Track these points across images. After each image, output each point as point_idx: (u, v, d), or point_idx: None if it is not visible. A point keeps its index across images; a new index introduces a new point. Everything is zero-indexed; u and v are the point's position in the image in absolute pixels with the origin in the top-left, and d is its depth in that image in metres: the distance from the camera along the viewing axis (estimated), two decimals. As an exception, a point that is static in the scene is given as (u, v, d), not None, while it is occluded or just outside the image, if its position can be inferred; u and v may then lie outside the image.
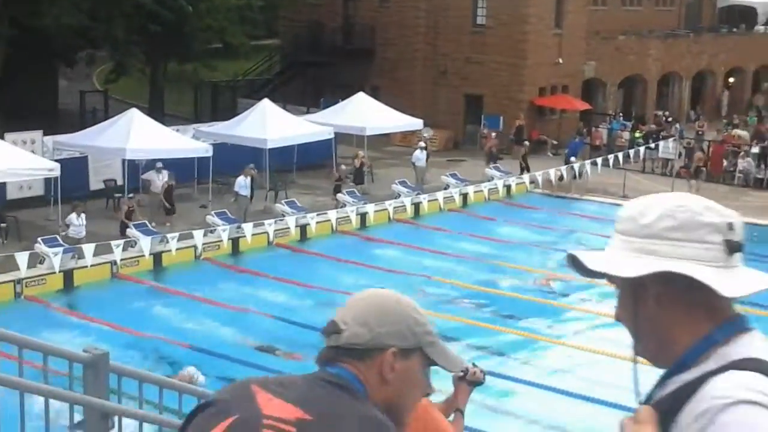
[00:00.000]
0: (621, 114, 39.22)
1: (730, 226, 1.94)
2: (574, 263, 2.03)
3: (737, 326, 1.95)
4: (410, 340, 2.11)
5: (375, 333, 2.07)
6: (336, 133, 29.50)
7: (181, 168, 25.71)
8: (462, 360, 2.25)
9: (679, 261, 1.91)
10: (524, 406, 14.68)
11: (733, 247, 1.94)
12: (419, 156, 29.99)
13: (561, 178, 30.29)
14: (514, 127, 35.81)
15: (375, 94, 33.45)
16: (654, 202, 1.99)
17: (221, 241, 21.95)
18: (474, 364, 5.66)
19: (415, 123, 32.20)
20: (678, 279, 1.90)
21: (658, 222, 1.95)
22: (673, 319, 1.95)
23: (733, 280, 1.91)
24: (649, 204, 1.99)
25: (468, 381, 5.61)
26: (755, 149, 33.25)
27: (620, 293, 2.01)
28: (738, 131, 36.36)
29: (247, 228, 22.43)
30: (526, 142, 32.91)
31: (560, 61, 36.95)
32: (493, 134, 34.38)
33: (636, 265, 1.93)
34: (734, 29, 49.14)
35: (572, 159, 31.84)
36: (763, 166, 32.77)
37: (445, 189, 28.55)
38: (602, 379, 14.93)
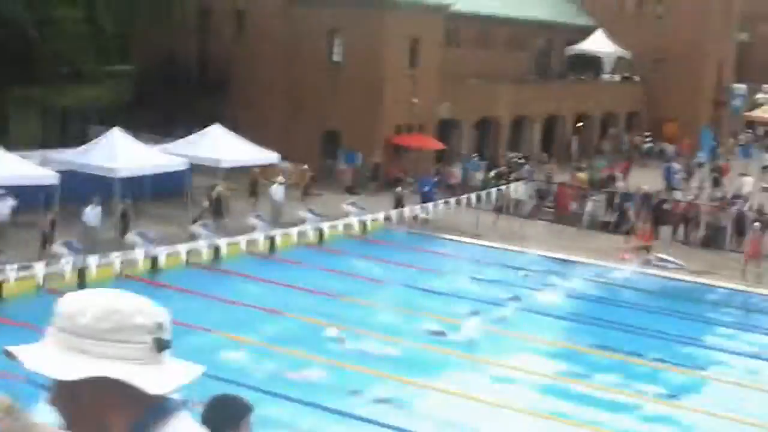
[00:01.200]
0: (476, 154, 39.98)
1: (159, 326, 2.15)
2: (12, 358, 2.06)
3: (165, 411, 2.15)
4: None
5: None
6: (192, 164, 28.89)
7: (27, 195, 24.66)
8: None
9: (110, 361, 2.07)
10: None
11: (161, 345, 2.15)
12: (276, 190, 29.70)
13: (415, 217, 30.57)
14: (372, 164, 36.05)
15: (232, 126, 32.96)
16: (90, 302, 2.10)
17: (65, 272, 21.09)
18: None
19: (271, 156, 31.90)
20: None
21: (93, 323, 2.06)
22: (110, 407, 2.11)
23: (160, 376, 2.11)
24: (85, 304, 2.09)
25: None
26: (597, 195, 34.42)
27: (56, 383, 2.10)
28: (581, 174, 37.51)
29: (92, 260, 21.67)
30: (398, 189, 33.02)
31: (415, 101, 37.39)
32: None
33: (71, 367, 2.05)
34: (581, 77, 51.00)
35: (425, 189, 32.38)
36: (610, 209, 33.93)
37: (302, 224, 28.40)
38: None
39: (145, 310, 2.15)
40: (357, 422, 14.96)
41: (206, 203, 27.83)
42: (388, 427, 14.72)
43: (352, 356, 18.02)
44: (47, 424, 2.03)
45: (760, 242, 28.65)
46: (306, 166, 34.98)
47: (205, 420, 5.27)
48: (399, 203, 31.24)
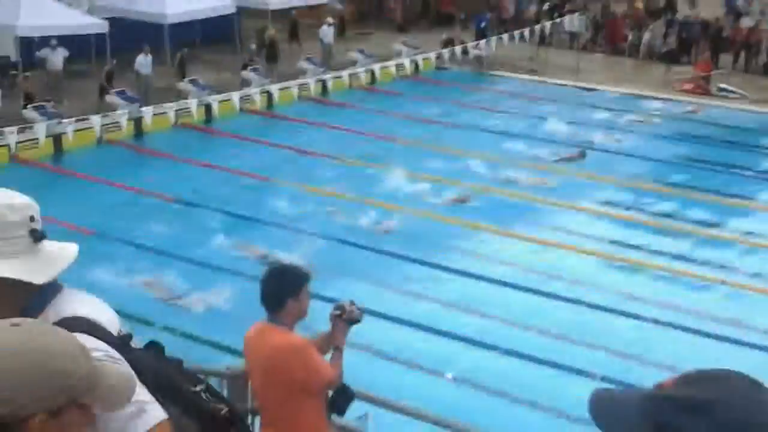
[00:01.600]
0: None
1: (32, 218, 2.27)
2: None
3: (52, 290, 2.35)
4: (60, 399, 1.80)
5: (13, 405, 1.75)
6: (239, 8, 28.50)
7: (76, 45, 24.65)
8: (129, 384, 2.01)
9: None
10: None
11: (37, 236, 2.27)
12: (326, 31, 29.27)
13: (466, 52, 30.00)
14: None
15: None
16: None
17: (120, 123, 21.28)
18: (351, 302, 5.52)
19: (319, -4, 31.29)
20: None
21: None
22: (1, 298, 2.26)
23: (41, 265, 2.27)
24: None
25: (345, 319, 5.48)
26: (655, 24, 33.37)
27: None
28: (638, 3, 36.12)
29: (147, 110, 21.83)
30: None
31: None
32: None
33: None
34: None
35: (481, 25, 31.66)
36: (667, 39, 32.96)
37: (353, 65, 28.12)
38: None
39: (15, 205, 2.26)
40: (430, 269, 14.88)
41: (254, 47, 27.48)
42: (467, 274, 14.61)
43: (416, 202, 17.95)
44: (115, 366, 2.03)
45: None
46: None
47: (266, 289, 5.39)
48: (449, 42, 30.60)
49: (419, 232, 16.25)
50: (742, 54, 31.16)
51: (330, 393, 5.41)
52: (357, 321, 5.51)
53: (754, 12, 36.72)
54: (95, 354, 1.94)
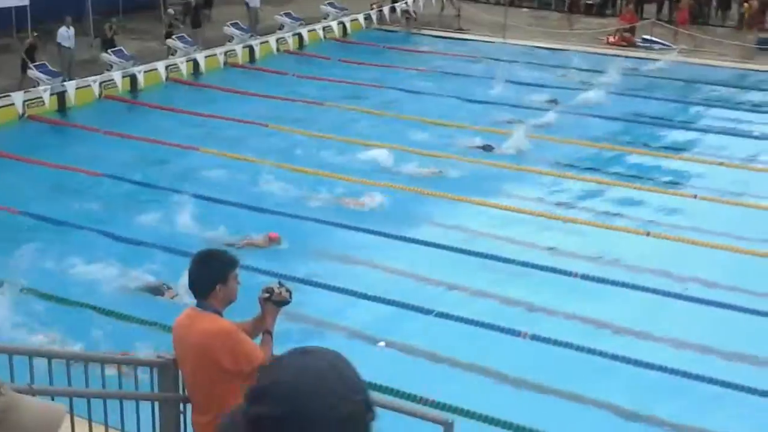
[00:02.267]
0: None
1: None
2: None
3: None
4: None
5: None
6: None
7: (-4, 18, 24.05)
8: None
9: None
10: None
11: None
12: (251, -5, 28.89)
13: (393, 11, 29.93)
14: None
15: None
16: None
17: (43, 98, 20.83)
18: (280, 283, 5.54)
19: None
20: None
21: None
22: None
23: None
24: None
25: (274, 301, 5.50)
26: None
27: None
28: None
29: (70, 84, 21.41)
30: None
31: None
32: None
33: None
34: None
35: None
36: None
37: (280, 29, 27.87)
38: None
39: None
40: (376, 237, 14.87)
41: (172, 11, 26.88)
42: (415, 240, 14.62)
43: (345, 166, 17.89)
44: (33, 399, 2.00)
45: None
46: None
47: (194, 275, 5.39)
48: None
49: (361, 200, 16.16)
50: (665, 4, 31.57)
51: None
52: (286, 302, 5.53)
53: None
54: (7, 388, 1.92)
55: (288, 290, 5.52)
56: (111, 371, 6.35)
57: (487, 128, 20.16)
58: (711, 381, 10.44)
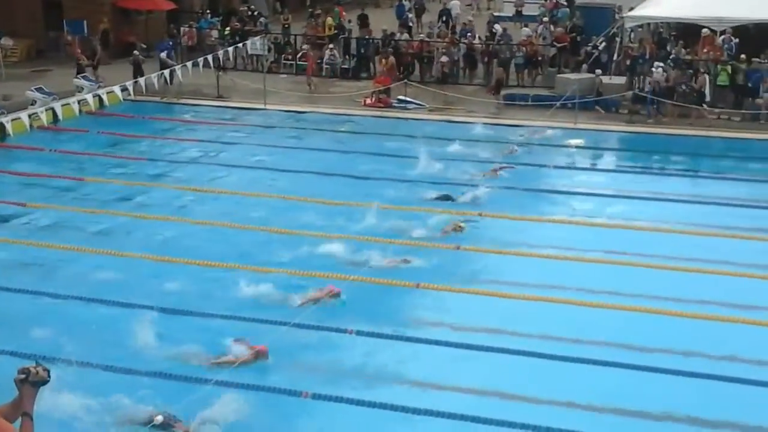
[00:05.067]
0: (209, 12, 38.90)
1: None
2: None
3: None
4: None
5: None
6: None
7: None
8: None
9: None
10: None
11: None
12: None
13: (151, 81, 29.68)
14: (100, 32, 34.45)
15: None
16: None
17: None
18: (37, 363, 5.42)
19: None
20: None
21: None
22: None
23: None
24: None
25: (31, 382, 5.38)
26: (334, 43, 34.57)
27: None
28: (329, 20, 36.94)
29: None
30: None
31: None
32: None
33: None
34: None
35: (162, 56, 31.27)
36: (346, 56, 34.25)
37: (32, 105, 26.97)
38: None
39: None
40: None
41: None
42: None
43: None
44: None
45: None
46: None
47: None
48: (138, 69, 30.15)
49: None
50: (417, 65, 32.99)
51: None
52: (45, 382, 5.37)
53: (423, 26, 39.07)
54: None
55: (46, 369, 5.38)
56: None
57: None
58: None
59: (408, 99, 29.80)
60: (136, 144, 25.13)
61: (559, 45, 32.61)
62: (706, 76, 28.10)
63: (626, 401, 11.58)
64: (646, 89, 28.06)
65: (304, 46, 34.27)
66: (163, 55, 31.36)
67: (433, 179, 21.37)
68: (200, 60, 30.66)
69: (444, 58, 32.17)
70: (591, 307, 14.32)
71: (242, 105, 29.57)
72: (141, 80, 29.14)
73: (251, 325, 13.50)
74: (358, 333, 13.39)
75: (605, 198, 20.56)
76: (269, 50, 34.84)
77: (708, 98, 27.98)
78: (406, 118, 28.20)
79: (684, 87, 28.16)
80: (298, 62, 34.15)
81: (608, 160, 24.62)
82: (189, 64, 30.35)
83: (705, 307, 14.36)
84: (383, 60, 31.89)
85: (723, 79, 28.35)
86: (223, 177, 21.99)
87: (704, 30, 29.66)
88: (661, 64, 28.42)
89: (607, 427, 11.17)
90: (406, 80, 30.71)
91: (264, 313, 13.89)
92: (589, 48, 31.10)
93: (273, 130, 26.81)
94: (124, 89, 29.01)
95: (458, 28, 35.34)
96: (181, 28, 35.48)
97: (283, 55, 34.93)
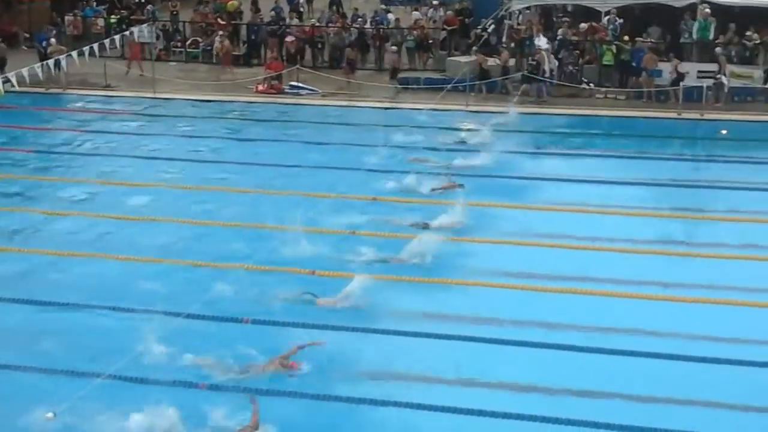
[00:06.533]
0: (94, 0, 37.93)
1: None
2: None
3: None
4: None
5: None
6: None
7: None
8: None
9: None
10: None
11: None
12: None
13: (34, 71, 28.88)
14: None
15: None
16: None
17: None
18: None
19: None
20: None
21: None
22: None
23: None
24: None
25: None
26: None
27: None
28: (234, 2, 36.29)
29: None
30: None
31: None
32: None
33: None
34: None
35: (44, 44, 30.45)
36: (237, 43, 33.88)
37: None
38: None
39: None
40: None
41: None
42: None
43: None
44: None
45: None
46: None
47: None
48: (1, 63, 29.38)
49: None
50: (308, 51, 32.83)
51: None
52: None
53: (314, 11, 38.94)
54: None
55: None
56: None
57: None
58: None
59: (300, 85, 29.68)
60: (21, 135, 24.44)
61: (449, 28, 32.85)
62: (544, 54, 28.49)
63: (604, 385, 11.57)
64: (535, 70, 28.53)
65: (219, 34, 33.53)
66: (44, 44, 30.52)
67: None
68: (86, 49, 29.88)
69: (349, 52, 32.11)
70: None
71: (130, 94, 29.04)
72: (24, 71, 28.25)
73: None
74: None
75: (495, 179, 20.74)
76: (158, 38, 34.24)
77: (547, 74, 28.50)
78: (302, 104, 28.10)
79: (571, 68, 28.77)
80: (188, 49, 33.71)
81: (500, 141, 24.81)
82: (74, 53, 29.55)
83: (596, 285, 14.70)
84: (273, 48, 31.68)
85: (608, 59, 29.04)
86: (113, 168, 21.56)
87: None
88: (546, 44, 28.91)
89: (574, 409, 10.97)
90: (298, 66, 30.57)
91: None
92: (478, 30, 31.43)
93: (163, 119, 26.40)
94: (6, 81, 28.11)
95: (350, 14, 35.34)
96: (66, 17, 34.58)
97: (172, 43, 34.38)
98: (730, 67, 28.01)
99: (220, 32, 33.28)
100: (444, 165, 21.30)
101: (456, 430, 10.73)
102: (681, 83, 27.19)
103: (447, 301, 14.15)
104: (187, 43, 34.02)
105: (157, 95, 28.66)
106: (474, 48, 30.28)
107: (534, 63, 28.43)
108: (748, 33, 28.99)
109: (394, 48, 31.41)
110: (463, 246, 16.46)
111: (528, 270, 15.22)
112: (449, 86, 27.95)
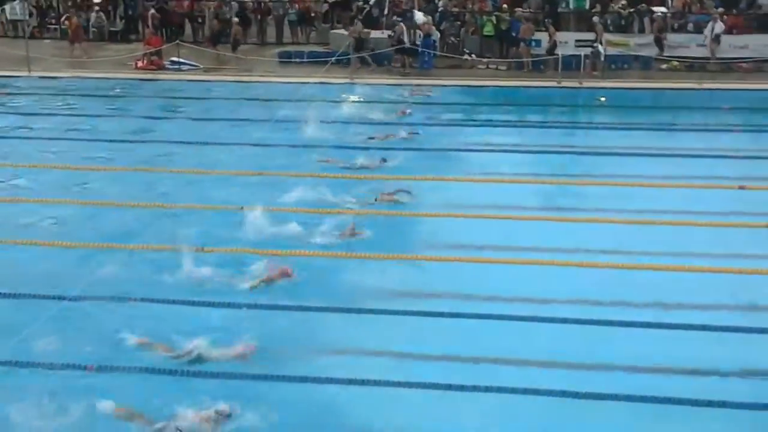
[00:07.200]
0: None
1: None
2: None
3: None
4: None
5: None
6: None
7: None
8: None
9: None
10: None
11: None
12: None
13: None
14: None
15: None
16: None
17: None
18: None
19: None
20: None
21: None
22: None
23: None
24: None
25: None
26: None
27: None
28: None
29: None
30: None
31: None
32: None
33: None
34: None
35: None
36: (114, 18, 33.14)
37: None
38: None
39: None
40: None
41: None
42: None
43: None
44: None
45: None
46: None
47: None
48: None
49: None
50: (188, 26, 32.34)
51: None
52: None
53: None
54: None
55: None
56: None
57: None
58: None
59: (181, 60, 29.23)
60: None
61: (331, 1, 32.79)
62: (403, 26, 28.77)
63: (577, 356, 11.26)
64: (416, 41, 28.73)
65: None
66: None
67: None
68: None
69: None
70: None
71: (3, 73, 28.09)
72: None
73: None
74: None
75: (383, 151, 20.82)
76: (31, 15, 33.18)
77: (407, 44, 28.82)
78: (187, 80, 27.67)
79: (453, 39, 29.09)
80: (62, 27, 32.79)
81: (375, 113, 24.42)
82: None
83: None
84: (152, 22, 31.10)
85: (488, 30, 29.46)
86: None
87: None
88: (423, 18, 29.09)
89: (553, 380, 10.57)
90: (178, 41, 30.08)
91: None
92: (360, 3, 31.46)
93: (39, 97, 25.62)
94: None
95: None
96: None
97: (46, 20, 33.38)
98: (606, 36, 28.78)
99: (96, 8, 32.47)
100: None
101: (389, 402, 10.59)
102: (557, 52, 27.81)
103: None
104: (62, 19, 33.07)
105: (32, 74, 27.81)
106: (356, 20, 30.31)
107: (393, 35, 28.65)
108: (623, 2, 29.84)
109: (236, 20, 30.92)
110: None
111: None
112: (333, 59, 27.96)
